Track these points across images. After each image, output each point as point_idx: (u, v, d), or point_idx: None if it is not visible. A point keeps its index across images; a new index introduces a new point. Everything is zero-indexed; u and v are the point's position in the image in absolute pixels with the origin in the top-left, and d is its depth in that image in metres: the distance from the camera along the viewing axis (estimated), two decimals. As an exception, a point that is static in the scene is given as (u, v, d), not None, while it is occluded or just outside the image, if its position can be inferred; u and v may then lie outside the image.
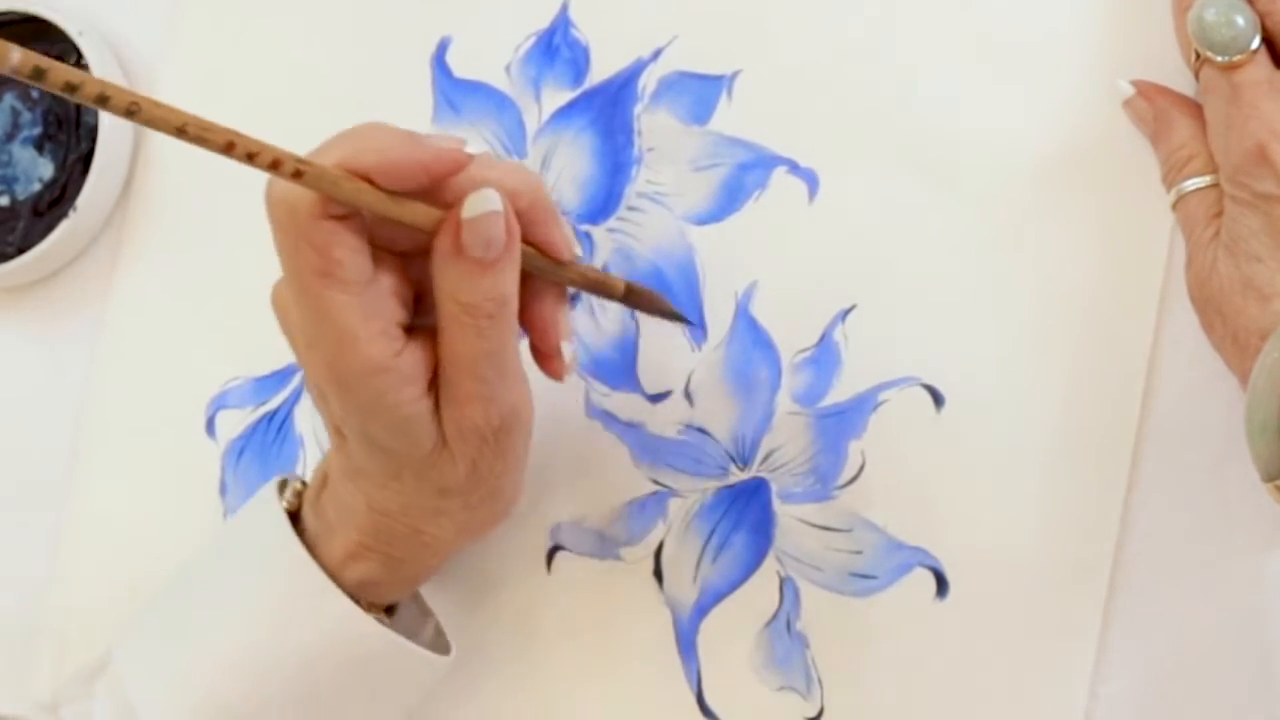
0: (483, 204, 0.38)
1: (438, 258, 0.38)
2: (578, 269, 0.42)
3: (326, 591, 0.42)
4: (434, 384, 0.40)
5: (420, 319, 0.40)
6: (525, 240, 0.39)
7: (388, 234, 0.39)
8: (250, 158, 0.34)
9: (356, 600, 0.43)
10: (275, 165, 0.35)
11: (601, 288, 0.43)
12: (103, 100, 0.31)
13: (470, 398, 0.40)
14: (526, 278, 0.40)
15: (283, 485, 0.46)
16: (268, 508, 0.44)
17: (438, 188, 0.38)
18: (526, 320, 0.41)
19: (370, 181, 0.37)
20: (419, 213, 0.38)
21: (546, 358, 0.42)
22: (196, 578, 0.46)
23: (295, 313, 0.39)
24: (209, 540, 0.47)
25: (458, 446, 0.40)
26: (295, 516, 0.44)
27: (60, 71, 0.30)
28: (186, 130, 0.33)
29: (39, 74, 0.30)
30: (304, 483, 0.45)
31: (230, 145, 0.34)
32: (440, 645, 0.46)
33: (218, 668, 0.43)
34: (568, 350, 0.42)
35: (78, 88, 0.31)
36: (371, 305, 0.38)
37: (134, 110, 0.32)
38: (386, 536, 0.43)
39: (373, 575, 0.43)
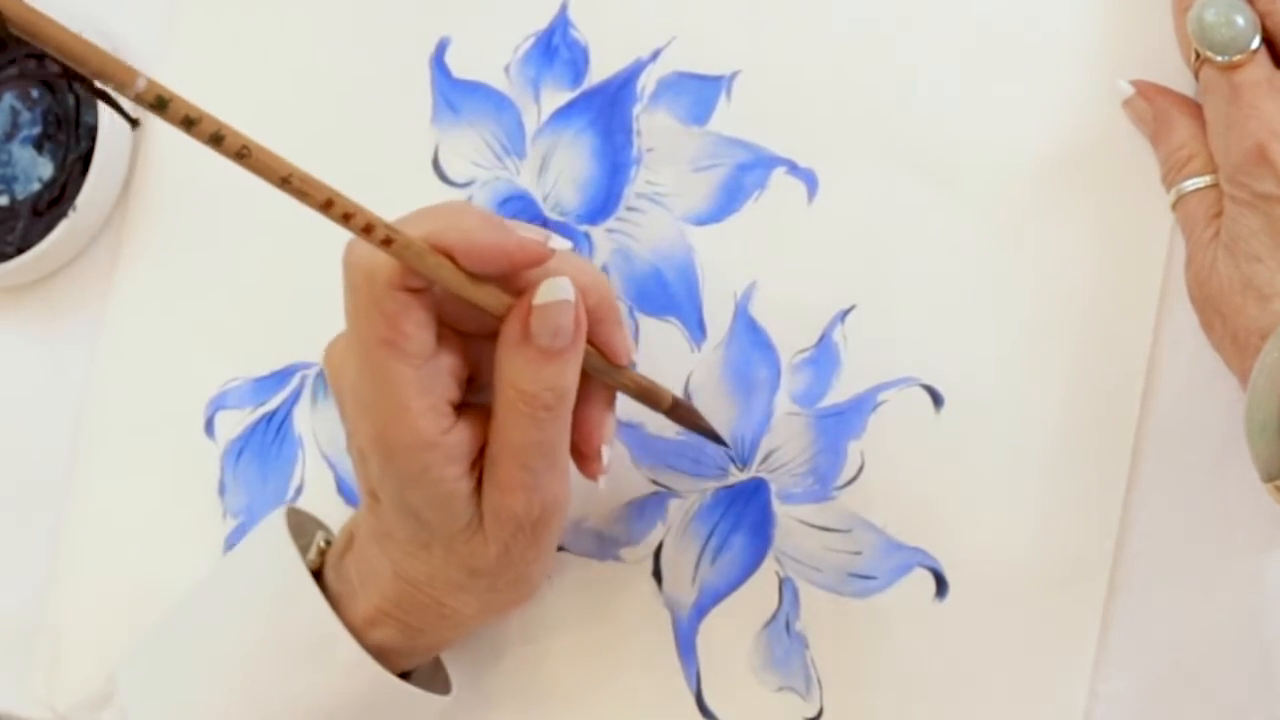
0: (555, 292, 0.38)
1: (504, 343, 0.39)
2: (631, 375, 0.42)
3: (342, 640, 0.42)
4: (477, 464, 0.40)
5: (470, 398, 0.41)
6: (587, 339, 0.40)
7: (453, 313, 0.39)
8: (346, 218, 0.34)
9: None
10: (368, 229, 0.35)
11: (650, 397, 0.43)
12: (216, 140, 0.32)
13: (515, 486, 0.40)
14: (581, 378, 0.40)
15: (292, 515, 0.45)
16: (280, 550, 0.44)
17: (512, 275, 0.38)
18: (574, 420, 0.41)
19: (451, 259, 0.37)
20: (492, 296, 0.38)
21: (586, 459, 0.42)
22: (202, 613, 0.46)
23: (352, 376, 0.39)
24: (216, 572, 0.47)
25: (493, 530, 0.41)
26: (317, 574, 0.44)
27: (181, 105, 0.31)
28: (290, 181, 0.33)
29: (161, 104, 0.30)
30: (328, 541, 0.45)
31: (329, 203, 0.34)
32: (439, 677, 0.47)
33: (221, 708, 0.43)
34: (606, 453, 0.42)
35: (195, 123, 0.31)
36: (428, 380, 0.38)
37: (244, 154, 0.32)
38: (407, 605, 0.43)
39: (391, 642, 0.43)
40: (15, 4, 0.28)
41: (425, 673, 0.46)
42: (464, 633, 0.45)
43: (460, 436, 0.39)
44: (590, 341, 0.40)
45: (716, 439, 0.46)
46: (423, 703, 0.44)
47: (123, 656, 0.46)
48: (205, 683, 0.44)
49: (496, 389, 0.39)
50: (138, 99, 0.30)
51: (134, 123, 0.39)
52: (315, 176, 0.34)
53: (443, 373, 0.39)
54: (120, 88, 0.30)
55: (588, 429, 0.42)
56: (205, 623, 0.46)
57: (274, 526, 0.45)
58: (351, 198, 0.34)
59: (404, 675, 0.44)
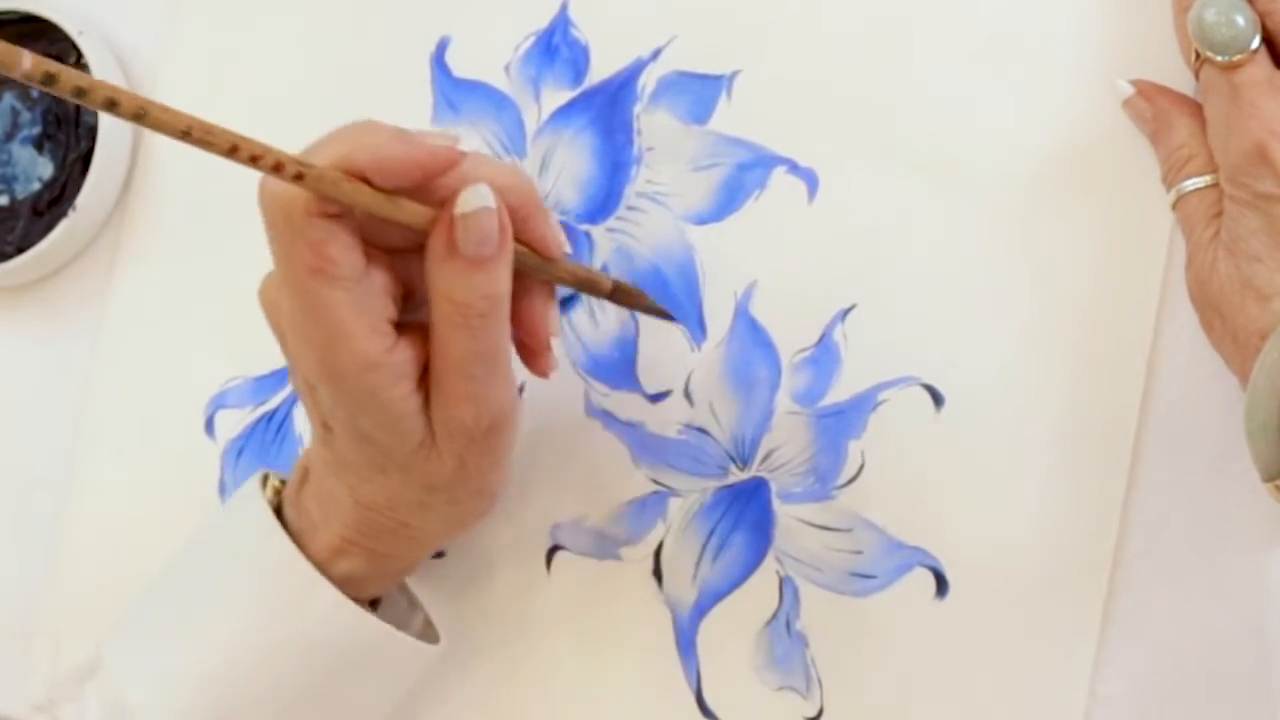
0: (476, 199, 0.38)
1: (431, 257, 0.39)
2: (567, 266, 0.42)
3: (315, 583, 0.43)
4: (423, 382, 0.40)
5: (408, 316, 0.41)
6: (516, 238, 0.39)
7: (378, 231, 0.39)
8: (253, 160, 0.34)
9: None
10: (278, 168, 0.35)
11: (589, 285, 0.43)
12: (111, 105, 0.32)
13: (460, 397, 0.40)
14: (517, 275, 0.40)
15: (264, 480, 0.46)
16: (251, 503, 0.44)
17: (430, 186, 0.38)
18: (515, 317, 0.41)
19: (366, 180, 0.37)
20: (413, 212, 0.38)
21: (534, 354, 0.42)
22: (183, 575, 0.46)
23: (287, 309, 0.40)
24: (193, 536, 0.47)
25: (445, 444, 0.41)
26: (277, 513, 0.44)
27: (70, 76, 0.31)
28: (190, 134, 0.33)
29: (50, 79, 0.31)
30: (283, 480, 0.46)
31: (234, 149, 0.34)
32: (429, 636, 0.47)
33: (207, 665, 0.43)
34: (556, 346, 0.42)
35: (87, 92, 0.31)
36: (363, 301, 0.38)
37: (141, 114, 0.32)
38: (372, 531, 0.43)
39: (358, 570, 0.43)
40: None
41: (416, 632, 0.46)
42: (430, 551, 0.45)
43: (403, 355, 0.39)
44: (520, 239, 0.40)
45: (665, 316, 0.46)
46: (407, 648, 0.44)
47: (108, 629, 0.46)
48: (185, 640, 0.44)
49: (431, 303, 0.39)
50: (26, 78, 0.30)
51: None
52: (215, 124, 0.34)
53: (377, 292, 0.39)
54: (7, 69, 0.30)
55: (532, 324, 0.42)
56: (182, 584, 0.46)
57: (246, 490, 0.45)
58: (255, 139, 0.34)
59: (374, 604, 0.45)
